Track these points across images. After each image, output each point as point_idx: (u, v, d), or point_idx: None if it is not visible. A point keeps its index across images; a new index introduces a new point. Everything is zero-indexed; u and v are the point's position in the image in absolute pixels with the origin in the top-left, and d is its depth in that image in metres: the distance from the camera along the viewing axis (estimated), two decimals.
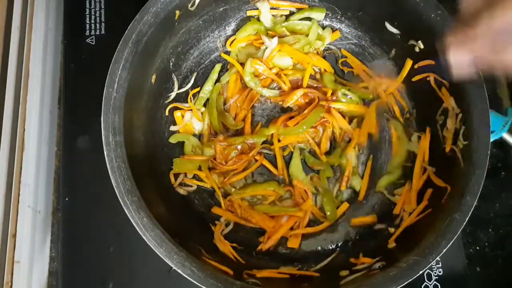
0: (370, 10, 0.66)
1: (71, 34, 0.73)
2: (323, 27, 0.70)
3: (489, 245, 0.66)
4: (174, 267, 0.49)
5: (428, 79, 0.62)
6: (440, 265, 0.62)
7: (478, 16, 0.40)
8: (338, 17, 0.69)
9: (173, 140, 0.66)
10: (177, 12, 0.61)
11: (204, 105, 0.68)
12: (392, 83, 0.66)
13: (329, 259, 0.61)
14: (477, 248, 0.66)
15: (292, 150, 0.66)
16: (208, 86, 0.68)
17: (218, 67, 0.69)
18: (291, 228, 0.63)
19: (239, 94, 0.68)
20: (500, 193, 0.68)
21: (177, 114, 0.67)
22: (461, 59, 0.43)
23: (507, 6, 0.39)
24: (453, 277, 0.62)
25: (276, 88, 0.69)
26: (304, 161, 0.66)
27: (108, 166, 0.52)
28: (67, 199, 0.65)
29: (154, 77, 0.63)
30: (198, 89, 0.68)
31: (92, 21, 0.73)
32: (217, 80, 0.69)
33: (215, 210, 0.64)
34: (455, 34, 0.42)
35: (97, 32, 0.72)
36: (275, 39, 0.66)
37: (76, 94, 0.69)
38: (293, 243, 0.62)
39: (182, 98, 0.68)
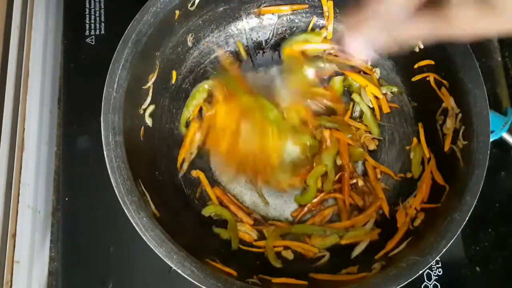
0: None
1: (71, 34, 0.72)
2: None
3: (489, 245, 0.66)
4: (174, 267, 0.49)
5: (427, 79, 0.62)
6: (440, 265, 0.62)
7: None
8: (338, 17, 0.69)
9: (205, 212, 0.62)
10: (177, 12, 0.60)
11: None
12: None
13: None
14: (477, 248, 0.66)
15: None
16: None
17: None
18: None
19: None
20: (500, 193, 0.68)
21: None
22: (355, 43, 0.42)
23: None
24: (453, 277, 0.62)
25: None
26: None
27: (108, 166, 0.52)
28: (67, 199, 0.65)
29: (154, 76, 0.63)
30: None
31: (92, 21, 0.73)
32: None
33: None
34: (352, 16, 0.41)
35: (97, 32, 0.72)
36: None
37: (76, 94, 0.69)
38: None
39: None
